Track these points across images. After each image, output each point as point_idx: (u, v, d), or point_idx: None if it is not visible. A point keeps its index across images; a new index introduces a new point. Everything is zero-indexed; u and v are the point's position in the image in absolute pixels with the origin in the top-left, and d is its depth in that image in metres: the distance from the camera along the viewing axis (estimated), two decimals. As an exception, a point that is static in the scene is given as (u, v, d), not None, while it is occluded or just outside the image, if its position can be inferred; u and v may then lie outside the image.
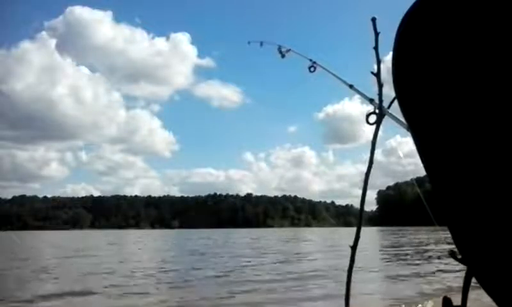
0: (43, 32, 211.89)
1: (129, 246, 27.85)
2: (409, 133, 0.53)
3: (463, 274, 0.58)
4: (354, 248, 1.69)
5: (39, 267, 12.77)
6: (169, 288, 8.39)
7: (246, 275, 9.94)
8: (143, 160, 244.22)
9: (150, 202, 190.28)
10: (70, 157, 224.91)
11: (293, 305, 6.89)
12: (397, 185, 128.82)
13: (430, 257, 14.51)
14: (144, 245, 27.80)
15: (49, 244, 32.36)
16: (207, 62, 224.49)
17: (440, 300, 0.56)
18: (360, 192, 1.73)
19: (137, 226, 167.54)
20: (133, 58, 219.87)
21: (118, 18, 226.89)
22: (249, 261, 13.24)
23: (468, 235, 0.45)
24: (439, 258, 13.25)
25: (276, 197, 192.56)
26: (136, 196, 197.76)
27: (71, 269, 12.43)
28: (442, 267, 10.81)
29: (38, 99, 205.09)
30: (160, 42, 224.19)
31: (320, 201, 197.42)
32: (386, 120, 1.66)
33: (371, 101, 1.80)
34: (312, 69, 2.37)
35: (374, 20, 1.65)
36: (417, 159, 0.50)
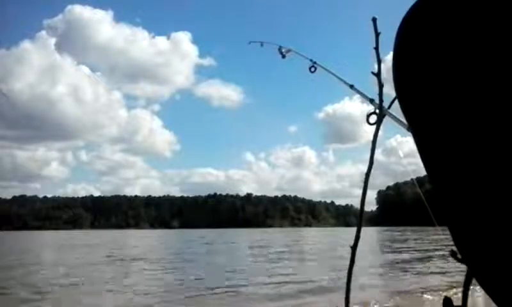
0: (43, 32, 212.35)
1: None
2: (409, 133, 0.53)
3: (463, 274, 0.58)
4: (354, 248, 1.69)
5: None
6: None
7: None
8: (143, 160, 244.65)
9: (150, 202, 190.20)
10: (70, 157, 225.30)
11: (294, 303, 6.91)
12: (397, 185, 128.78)
13: (429, 257, 14.51)
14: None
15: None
16: (208, 61, 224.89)
17: (438, 299, 0.56)
18: (360, 192, 1.73)
19: (137, 226, 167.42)
20: (134, 57, 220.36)
21: (118, 18, 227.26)
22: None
23: (468, 235, 0.45)
24: (438, 258, 13.25)
25: (276, 197, 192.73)
26: (135, 196, 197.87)
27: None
28: (441, 267, 10.81)
29: (38, 99, 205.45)
30: (161, 41, 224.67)
31: (320, 201, 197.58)
32: (387, 120, 1.66)
33: (371, 101, 1.80)
34: (313, 69, 2.37)
35: (374, 20, 1.65)
36: (417, 159, 0.50)
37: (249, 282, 8.80)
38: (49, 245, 28.91)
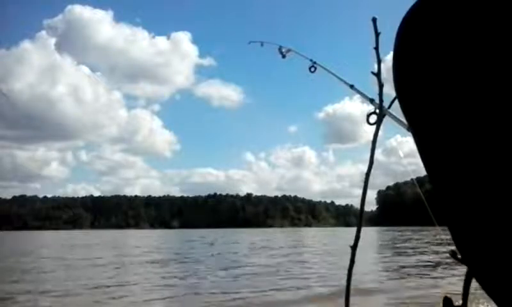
0: (43, 32, 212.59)
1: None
2: (409, 133, 0.53)
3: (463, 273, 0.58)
4: (354, 248, 1.69)
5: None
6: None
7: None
8: (143, 160, 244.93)
9: (150, 202, 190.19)
10: (70, 157, 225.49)
11: (294, 304, 6.89)
12: (397, 185, 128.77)
13: (429, 257, 14.50)
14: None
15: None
16: (208, 61, 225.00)
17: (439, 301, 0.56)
18: (360, 192, 1.73)
19: (137, 226, 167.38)
20: (134, 57, 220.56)
21: (118, 18, 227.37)
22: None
23: (468, 235, 0.45)
24: (438, 259, 13.24)
25: (276, 197, 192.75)
26: (135, 196, 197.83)
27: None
28: (441, 267, 10.81)
29: (38, 99, 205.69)
30: (161, 41, 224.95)
31: (320, 201, 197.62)
32: (387, 120, 1.66)
33: (371, 101, 1.80)
34: (313, 69, 2.37)
35: (374, 20, 1.65)
36: (417, 159, 0.50)
37: (258, 287, 8.55)
38: (51, 247, 28.65)
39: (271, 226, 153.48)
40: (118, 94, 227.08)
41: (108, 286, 8.71)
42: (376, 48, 1.67)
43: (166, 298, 7.72)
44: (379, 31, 1.65)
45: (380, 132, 1.68)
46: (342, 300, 1.62)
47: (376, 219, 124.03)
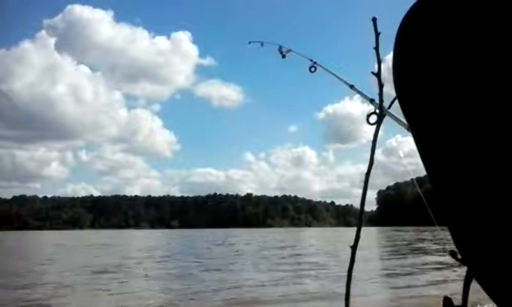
0: (43, 32, 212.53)
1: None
2: (409, 133, 0.53)
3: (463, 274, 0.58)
4: (354, 248, 1.69)
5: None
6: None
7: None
8: (143, 160, 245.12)
9: (150, 202, 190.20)
10: (70, 157, 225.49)
11: (293, 304, 6.88)
12: (397, 185, 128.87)
13: (429, 257, 14.50)
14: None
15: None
16: (208, 61, 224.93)
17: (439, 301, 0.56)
18: (360, 192, 1.73)
19: (137, 226, 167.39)
20: (134, 57, 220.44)
21: (118, 18, 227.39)
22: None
23: (468, 235, 0.45)
24: (438, 260, 13.24)
25: (276, 197, 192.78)
26: (135, 196, 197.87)
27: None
28: (441, 267, 10.80)
29: (38, 99, 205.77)
30: (161, 41, 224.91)
31: (320, 201, 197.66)
32: (387, 120, 1.66)
33: (372, 101, 1.80)
34: (313, 69, 2.37)
35: (374, 20, 1.65)
36: (418, 159, 0.50)
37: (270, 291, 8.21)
38: (55, 248, 28.18)
39: (270, 226, 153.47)
40: (118, 94, 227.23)
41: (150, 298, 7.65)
42: (376, 48, 1.67)
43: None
44: (379, 30, 1.65)
45: (380, 132, 1.68)
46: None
47: (376, 219, 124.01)
